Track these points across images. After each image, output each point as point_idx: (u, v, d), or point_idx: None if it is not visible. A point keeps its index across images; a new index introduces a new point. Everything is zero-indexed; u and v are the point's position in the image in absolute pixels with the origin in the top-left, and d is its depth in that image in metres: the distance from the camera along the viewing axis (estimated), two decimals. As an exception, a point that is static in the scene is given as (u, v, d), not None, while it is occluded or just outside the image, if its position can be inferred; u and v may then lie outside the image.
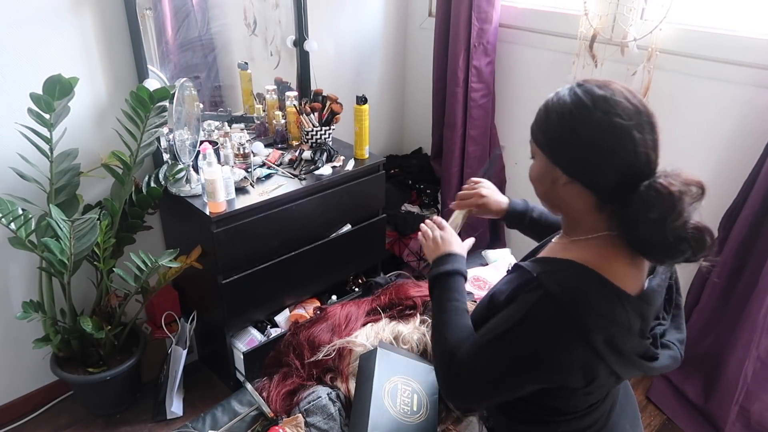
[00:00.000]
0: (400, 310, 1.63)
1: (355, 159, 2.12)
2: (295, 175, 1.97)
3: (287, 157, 2.07)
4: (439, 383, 1.08)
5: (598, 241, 0.97)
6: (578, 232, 1.00)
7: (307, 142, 2.12)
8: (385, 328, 1.55)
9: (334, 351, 1.48)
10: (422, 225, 1.25)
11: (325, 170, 2.00)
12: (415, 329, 1.53)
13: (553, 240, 1.11)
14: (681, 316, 1.07)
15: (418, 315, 1.60)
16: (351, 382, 1.43)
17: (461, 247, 1.20)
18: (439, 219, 1.25)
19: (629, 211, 0.89)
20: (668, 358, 0.99)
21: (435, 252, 1.18)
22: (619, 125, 0.89)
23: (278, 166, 2.03)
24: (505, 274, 1.10)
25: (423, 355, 1.49)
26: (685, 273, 2.11)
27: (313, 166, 2.01)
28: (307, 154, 2.07)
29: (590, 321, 0.88)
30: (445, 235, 1.20)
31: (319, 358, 1.48)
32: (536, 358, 0.92)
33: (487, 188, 1.35)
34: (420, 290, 1.69)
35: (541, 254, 1.10)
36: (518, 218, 1.34)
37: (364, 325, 1.59)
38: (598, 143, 0.90)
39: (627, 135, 0.89)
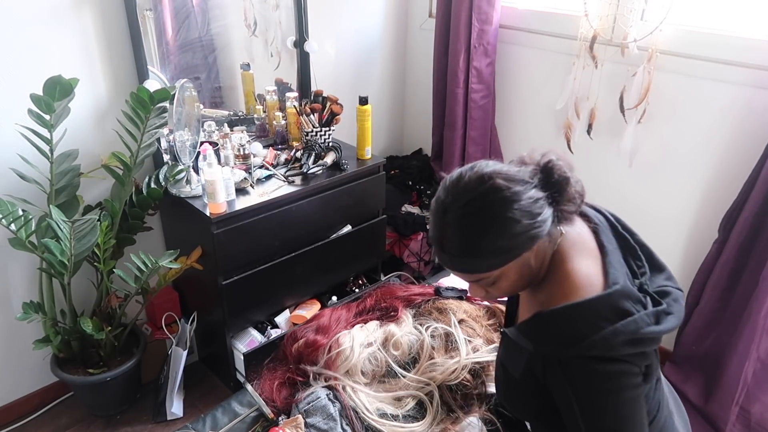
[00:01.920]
0: (383, 314, 1.64)
1: (357, 159, 2.13)
2: (285, 178, 1.97)
3: (283, 156, 2.07)
4: None
5: (551, 273, 1.01)
6: (538, 276, 1.03)
7: (307, 143, 2.12)
8: (376, 330, 1.56)
9: (323, 359, 1.50)
10: None
11: (314, 170, 2.00)
12: (407, 333, 1.53)
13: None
14: (653, 253, 1.09)
15: (407, 316, 1.60)
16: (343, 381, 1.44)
17: None
18: None
19: (560, 204, 0.97)
20: (674, 304, 0.99)
21: None
22: (516, 172, 0.96)
23: (275, 167, 2.03)
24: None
25: (415, 359, 1.49)
26: (686, 273, 2.11)
27: (299, 168, 2.01)
28: (299, 154, 2.08)
29: (602, 345, 0.90)
30: None
31: (310, 368, 1.51)
32: (626, 396, 0.94)
33: None
34: (407, 291, 1.71)
35: (520, 314, 1.16)
36: None
37: (352, 326, 1.60)
38: (531, 199, 0.93)
39: (520, 169, 0.97)
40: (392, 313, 1.63)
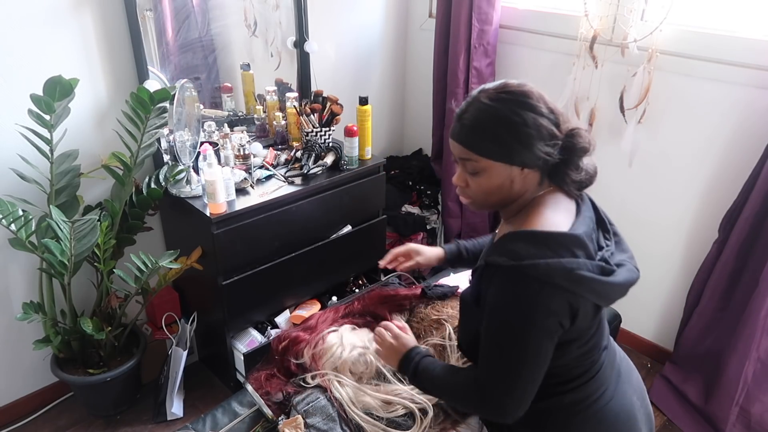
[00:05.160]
0: (373, 321, 1.65)
1: (357, 159, 2.13)
2: (285, 178, 1.97)
3: (283, 157, 2.08)
4: (492, 417, 1.19)
5: (528, 208, 1.10)
6: (517, 211, 1.12)
7: (307, 143, 2.12)
8: (371, 340, 1.56)
9: (309, 357, 1.51)
10: (376, 330, 1.35)
11: (314, 170, 2.00)
12: None
13: (496, 232, 1.25)
14: (622, 241, 1.18)
15: (402, 323, 1.60)
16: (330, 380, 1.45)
17: (412, 340, 1.31)
18: (388, 324, 1.34)
19: (566, 165, 1.06)
20: (626, 272, 1.07)
21: (396, 355, 1.27)
22: (555, 108, 1.05)
23: (275, 167, 2.03)
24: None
25: None
26: (686, 273, 2.11)
27: (299, 169, 2.01)
28: (299, 154, 2.08)
29: (540, 267, 0.98)
30: (395, 338, 1.30)
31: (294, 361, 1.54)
32: (532, 322, 1.01)
33: (418, 251, 1.53)
34: (393, 295, 1.71)
35: None
36: (458, 258, 1.50)
37: (340, 324, 1.61)
38: (550, 129, 1.03)
39: (559, 112, 1.06)
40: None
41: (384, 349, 1.30)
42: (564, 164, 1.07)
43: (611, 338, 1.25)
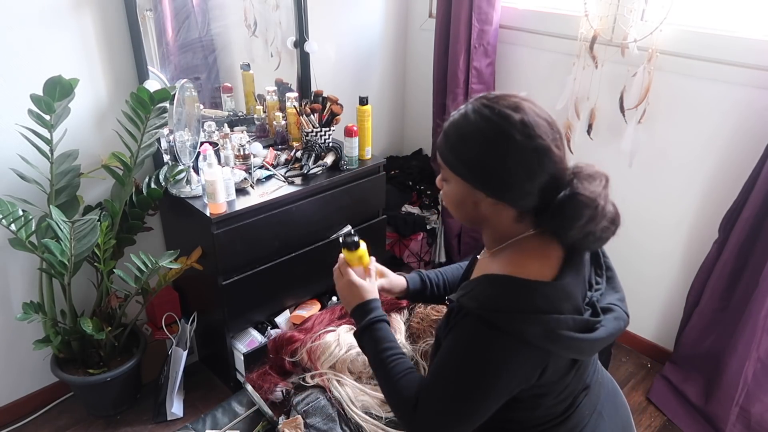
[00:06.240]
0: None
1: (357, 159, 2.13)
2: (285, 178, 1.97)
3: (283, 157, 2.08)
4: (407, 429, 1.04)
5: (512, 247, 1.00)
6: (498, 243, 1.02)
7: (307, 143, 2.12)
8: None
9: (304, 352, 1.51)
10: (336, 269, 1.20)
11: (314, 170, 2.00)
12: (401, 344, 1.54)
13: (478, 257, 1.14)
14: (615, 277, 1.09)
15: (399, 324, 1.60)
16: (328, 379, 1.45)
17: (374, 291, 1.15)
18: (348, 270, 1.17)
19: (560, 221, 0.93)
20: (612, 321, 0.98)
21: (352, 300, 1.13)
22: (542, 146, 0.91)
23: (275, 167, 2.03)
24: None
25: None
26: (686, 273, 2.11)
27: (299, 169, 2.02)
28: (299, 154, 2.08)
29: (516, 321, 0.89)
30: (355, 281, 1.15)
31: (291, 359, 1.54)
32: (491, 375, 0.92)
33: (382, 272, 1.29)
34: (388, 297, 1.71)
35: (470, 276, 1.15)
36: (420, 294, 1.30)
37: (339, 325, 1.61)
38: (524, 167, 0.91)
39: (549, 153, 0.91)
40: None
41: (341, 288, 1.16)
42: (552, 219, 0.94)
43: (601, 371, 1.17)
